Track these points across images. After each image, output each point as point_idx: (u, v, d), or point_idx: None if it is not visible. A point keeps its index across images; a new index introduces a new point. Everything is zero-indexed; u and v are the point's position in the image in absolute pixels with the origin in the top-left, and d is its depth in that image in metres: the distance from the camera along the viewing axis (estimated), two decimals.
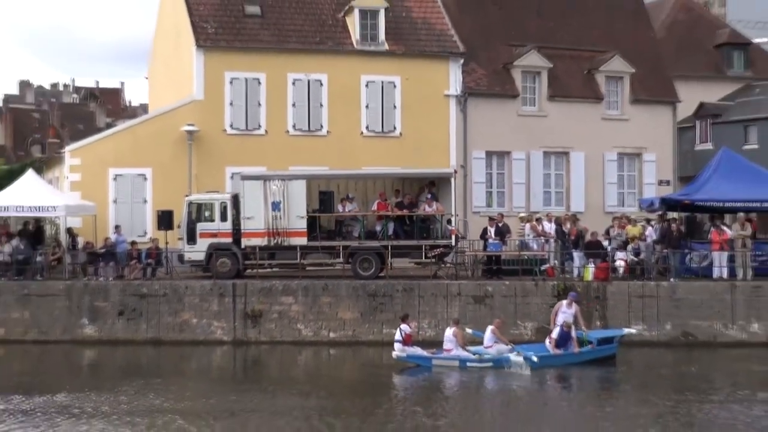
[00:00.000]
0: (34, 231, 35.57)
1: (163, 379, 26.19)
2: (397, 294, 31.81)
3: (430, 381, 25.59)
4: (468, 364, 26.38)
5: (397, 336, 27.05)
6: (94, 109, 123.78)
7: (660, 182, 42.64)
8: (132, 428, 19.66)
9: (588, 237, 34.43)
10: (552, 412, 22.91)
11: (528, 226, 35.74)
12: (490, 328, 27.46)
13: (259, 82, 39.49)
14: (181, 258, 34.28)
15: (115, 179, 38.25)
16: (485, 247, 34.51)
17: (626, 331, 29.14)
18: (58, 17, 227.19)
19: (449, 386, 24.99)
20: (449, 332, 27.11)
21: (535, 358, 26.00)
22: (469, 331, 28.00)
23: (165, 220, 34.36)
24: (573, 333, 27.27)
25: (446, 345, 26.95)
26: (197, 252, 33.56)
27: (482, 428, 20.92)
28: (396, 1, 41.45)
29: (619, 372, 27.74)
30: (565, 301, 28.37)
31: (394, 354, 26.80)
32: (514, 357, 26.36)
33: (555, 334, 27.15)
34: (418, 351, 27.03)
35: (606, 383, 26.29)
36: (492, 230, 34.38)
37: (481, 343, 27.38)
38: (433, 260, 34.29)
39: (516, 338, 28.72)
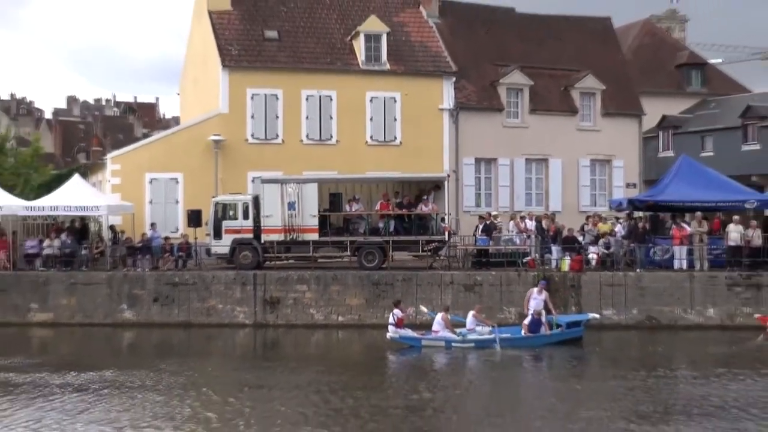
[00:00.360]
0: (80, 228, 35.63)
1: (194, 358, 26.31)
2: (397, 283, 31.81)
3: (419, 359, 25.61)
4: (453, 344, 26.44)
5: (391, 320, 27.14)
6: (132, 121, 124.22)
7: (627, 185, 42.59)
8: (178, 400, 19.74)
9: (564, 233, 34.47)
10: (527, 386, 23.00)
11: (512, 223, 35.79)
12: (471, 312, 27.66)
13: (277, 98, 39.48)
14: (208, 251, 34.31)
15: (150, 182, 38.29)
16: (475, 242, 34.70)
17: (591, 316, 29.09)
18: (101, 40, 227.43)
19: (437, 363, 25.06)
20: (438, 317, 27.25)
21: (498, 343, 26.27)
22: (448, 316, 27.94)
23: (194, 218, 34.46)
24: (543, 319, 27.34)
25: (435, 327, 27.06)
26: (222, 246, 33.57)
27: (466, 400, 20.92)
28: (396, 27, 41.52)
29: (594, 351, 27.79)
30: (535, 289, 28.50)
31: (388, 335, 26.90)
32: (492, 334, 26.65)
33: (527, 321, 27.28)
34: (409, 332, 27.10)
35: (579, 361, 26.29)
36: (480, 227, 34.58)
37: (463, 326, 27.44)
38: (429, 253, 34.42)
39: (501, 321, 28.75)
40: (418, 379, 22.90)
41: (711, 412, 18.28)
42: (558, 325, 27.83)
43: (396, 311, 27.27)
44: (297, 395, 20.34)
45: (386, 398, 20.41)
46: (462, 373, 24.27)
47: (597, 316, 29.54)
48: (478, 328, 27.15)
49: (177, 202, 38.13)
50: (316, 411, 18.58)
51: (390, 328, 26.98)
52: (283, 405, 19.17)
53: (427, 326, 27.81)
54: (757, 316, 29.55)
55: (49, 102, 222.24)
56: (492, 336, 26.70)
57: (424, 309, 29.19)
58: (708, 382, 21.79)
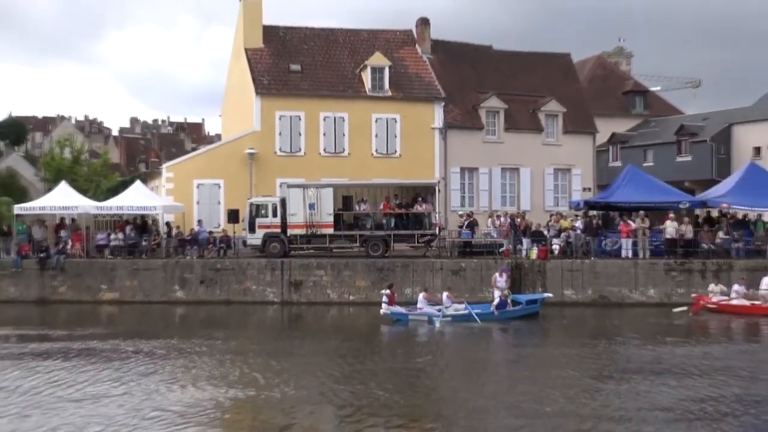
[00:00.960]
0: (140, 224, 35.59)
1: (234, 329, 26.35)
2: (397, 269, 31.76)
3: (409, 330, 25.58)
4: (433, 318, 26.23)
5: (383, 299, 27.06)
6: (183, 138, 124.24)
7: (583, 189, 42.35)
8: (228, 363, 19.78)
9: (533, 228, 34.51)
10: (506, 352, 23.17)
11: (490, 220, 35.79)
12: (445, 294, 27.40)
13: (300, 118, 39.33)
14: (244, 243, 34.17)
15: (197, 187, 38.08)
16: (460, 235, 34.72)
17: (546, 295, 28.95)
18: (157, 71, 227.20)
19: (424, 334, 24.95)
20: (420, 296, 27.22)
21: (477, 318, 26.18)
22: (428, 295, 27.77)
23: (233, 216, 34.38)
24: (509, 300, 27.29)
25: (419, 305, 26.94)
26: (256, 238, 33.48)
27: (457, 363, 21.05)
28: (396, 61, 41.45)
29: (560, 324, 27.72)
30: (497, 273, 28.37)
31: (381, 311, 26.83)
32: (464, 310, 26.54)
33: (496, 301, 27.12)
34: (398, 309, 26.97)
35: (545, 332, 26.32)
36: (465, 223, 34.68)
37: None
38: (423, 245, 34.42)
39: (482, 299, 28.56)
40: (417, 346, 23.11)
41: (662, 371, 18.41)
42: (519, 303, 27.72)
43: (386, 291, 27.22)
44: (322, 359, 20.47)
45: (396, 361, 20.59)
46: (447, 341, 24.23)
47: (550, 295, 29.40)
48: (454, 306, 26.98)
49: (219, 202, 37.91)
50: (341, 371, 18.70)
51: (383, 305, 26.92)
52: (312, 367, 19.29)
53: (412, 303, 27.77)
54: (693, 295, 29.44)
55: (115, 122, 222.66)
56: (467, 311, 26.58)
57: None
58: (655, 348, 21.89)
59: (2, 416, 14.35)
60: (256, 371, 18.54)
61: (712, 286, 29.28)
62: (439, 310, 26.50)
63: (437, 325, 25.85)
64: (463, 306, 26.97)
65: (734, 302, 28.00)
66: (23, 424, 13.96)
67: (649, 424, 13.68)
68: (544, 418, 14.24)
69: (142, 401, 15.48)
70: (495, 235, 34.64)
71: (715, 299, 28.52)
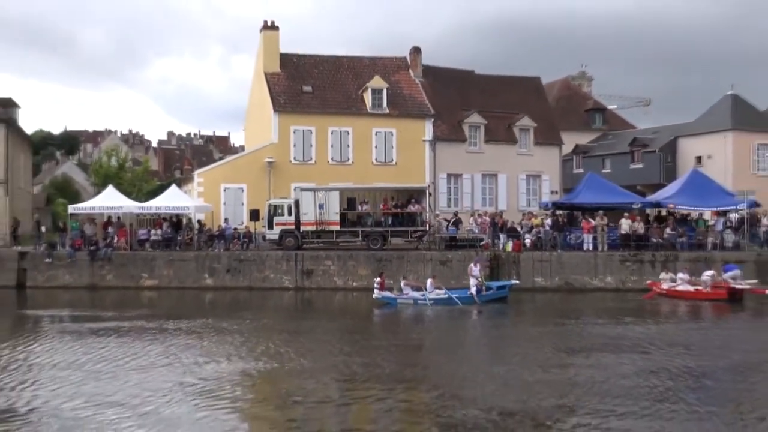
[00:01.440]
0: (176, 221, 35.64)
1: (256, 311, 26.33)
2: (393, 260, 31.81)
3: (396, 312, 25.48)
4: (418, 302, 26.12)
5: (375, 285, 26.99)
6: (211, 149, 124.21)
7: (551, 192, 42.51)
8: (254, 340, 19.80)
9: (509, 225, 34.64)
10: (488, 330, 23.12)
11: (472, 218, 35.86)
12: (429, 280, 27.21)
13: (311, 132, 39.43)
14: (263, 237, 34.26)
15: (224, 190, 38.14)
16: (447, 230, 34.79)
17: (513, 282, 28.76)
18: (190, 91, 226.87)
19: (412, 315, 24.78)
20: (402, 282, 27.12)
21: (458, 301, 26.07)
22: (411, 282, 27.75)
23: (254, 215, 34.58)
24: (483, 286, 27.06)
25: (405, 290, 26.79)
26: (274, 234, 33.48)
27: (435, 340, 21.01)
28: (393, 84, 41.50)
29: (530, 306, 27.72)
30: (472, 263, 28.27)
31: (374, 296, 26.70)
32: (444, 295, 26.35)
33: (473, 289, 26.85)
34: (388, 294, 26.72)
35: (519, 313, 26.20)
36: (451, 221, 34.81)
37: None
38: (415, 239, 34.46)
39: (465, 286, 27.99)
40: (410, 325, 23.05)
41: (623, 346, 18.40)
42: (490, 288, 27.47)
43: (377, 279, 27.13)
44: (332, 336, 20.45)
45: (396, 338, 20.47)
46: (431, 321, 23.90)
47: (518, 281, 29.30)
48: (436, 291, 26.75)
49: (242, 204, 37.98)
50: (350, 347, 18.71)
51: (375, 290, 26.80)
52: (325, 343, 19.27)
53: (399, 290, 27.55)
54: (648, 282, 29.54)
55: (154, 135, 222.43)
56: (446, 296, 26.35)
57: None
58: (616, 327, 21.82)
59: (65, 384, 14.38)
60: (277, 346, 18.53)
61: (662, 275, 29.38)
62: (423, 295, 26.33)
63: (459, 304, 25.74)
64: (442, 291, 26.73)
65: (680, 288, 28.11)
66: (84, 389, 13.99)
67: (616, 391, 13.72)
68: (525, 386, 14.27)
69: (184, 371, 15.50)
70: (476, 231, 34.73)
71: (665, 285, 28.63)
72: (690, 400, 13.07)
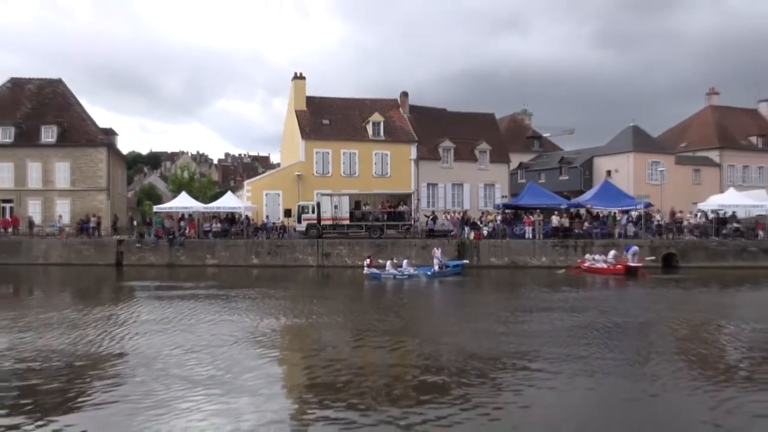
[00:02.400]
0: (230, 218, 35.62)
1: (290, 283, 25.94)
2: (388, 245, 31.69)
3: (382, 284, 24.97)
4: (396, 276, 25.83)
5: (366, 263, 26.83)
6: (257, 165, 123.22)
7: (502, 197, 42.43)
8: (292, 303, 19.43)
9: (471, 220, 34.64)
10: (447, 296, 22.82)
11: (445, 215, 35.84)
12: (405, 261, 27.02)
13: (329, 153, 39.31)
14: (294, 229, 34.13)
15: (265, 195, 38.08)
16: (427, 224, 34.74)
17: (464, 261, 28.22)
18: (241, 123, 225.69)
19: (393, 286, 24.18)
20: (388, 263, 26.83)
21: (424, 275, 25.81)
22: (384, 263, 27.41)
23: (287, 213, 34.56)
24: (443, 266, 26.83)
25: (387, 268, 26.51)
26: (301, 227, 33.34)
27: (415, 303, 20.93)
28: (388, 118, 41.40)
29: (486, 279, 27.18)
30: (435, 248, 28.14)
31: (364, 272, 26.53)
32: (415, 272, 26.10)
33: (435, 267, 26.70)
34: (374, 270, 26.38)
35: (476, 286, 25.62)
36: (430, 218, 34.77)
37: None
38: (404, 231, 34.34)
39: (431, 264, 27.63)
40: (395, 293, 22.53)
41: (564, 307, 18.07)
42: (447, 266, 27.23)
43: (367, 260, 27.04)
44: (342, 301, 20.20)
45: (387, 302, 20.21)
46: (407, 290, 23.22)
47: (467, 261, 28.79)
48: (409, 269, 26.49)
49: (279, 205, 37.89)
50: (356, 308, 18.51)
51: (365, 268, 26.67)
52: (338, 305, 19.11)
53: (383, 267, 27.33)
54: (578, 260, 29.48)
55: (215, 155, 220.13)
56: (417, 273, 26.10)
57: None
58: (555, 294, 21.35)
59: (154, 335, 14.34)
60: (304, 308, 18.47)
61: (587, 256, 29.41)
62: (400, 271, 26.10)
63: (423, 279, 25.37)
64: (414, 269, 26.53)
65: (597, 266, 28.20)
66: (174, 338, 13.93)
67: (561, 339, 13.70)
68: (491, 335, 14.18)
69: (239, 326, 15.42)
70: (448, 225, 34.72)
71: (587, 264, 28.72)
72: (610, 344, 13.17)
